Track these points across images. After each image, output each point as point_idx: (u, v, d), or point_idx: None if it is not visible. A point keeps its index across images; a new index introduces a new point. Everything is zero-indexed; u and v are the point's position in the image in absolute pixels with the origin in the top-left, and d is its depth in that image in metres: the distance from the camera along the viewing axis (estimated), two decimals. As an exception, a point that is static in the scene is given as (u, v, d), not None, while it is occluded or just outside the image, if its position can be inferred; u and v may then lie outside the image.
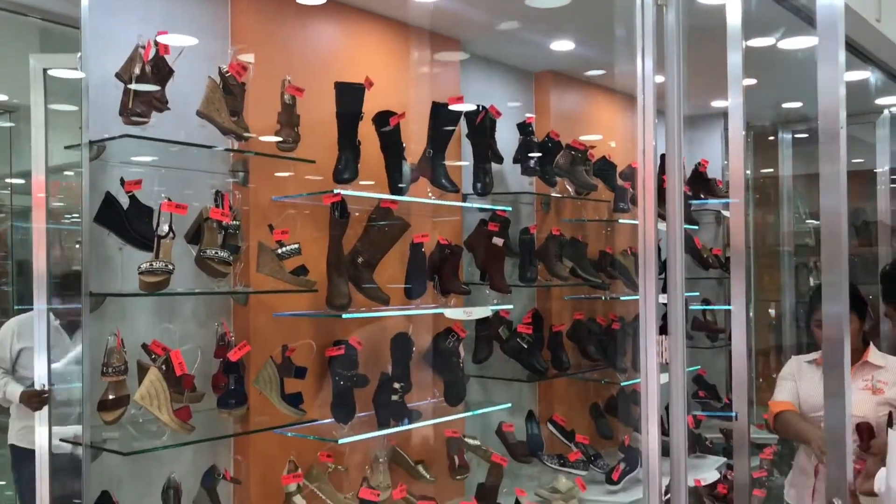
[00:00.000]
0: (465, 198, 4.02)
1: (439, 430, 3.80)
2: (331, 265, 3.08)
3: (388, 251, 3.30)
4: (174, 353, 2.57)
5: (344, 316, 3.02)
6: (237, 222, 2.90)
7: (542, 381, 4.28)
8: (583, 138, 4.66)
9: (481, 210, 4.06)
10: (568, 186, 4.52)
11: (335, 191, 3.04)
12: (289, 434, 3.11)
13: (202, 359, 2.91)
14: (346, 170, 3.14)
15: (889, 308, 2.80)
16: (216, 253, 2.69)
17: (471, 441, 3.90)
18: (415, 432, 3.62)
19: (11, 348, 2.91)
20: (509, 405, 3.99)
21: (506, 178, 4.40)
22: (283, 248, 2.89)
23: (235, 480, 2.94)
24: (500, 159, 4.09)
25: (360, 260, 3.24)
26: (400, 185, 3.32)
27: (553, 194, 4.41)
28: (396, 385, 3.26)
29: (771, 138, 6.56)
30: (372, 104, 3.29)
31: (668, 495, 3.41)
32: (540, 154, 4.21)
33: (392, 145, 3.31)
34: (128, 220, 2.62)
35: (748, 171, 6.47)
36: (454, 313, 3.48)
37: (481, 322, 4.11)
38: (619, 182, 4.90)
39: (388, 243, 3.29)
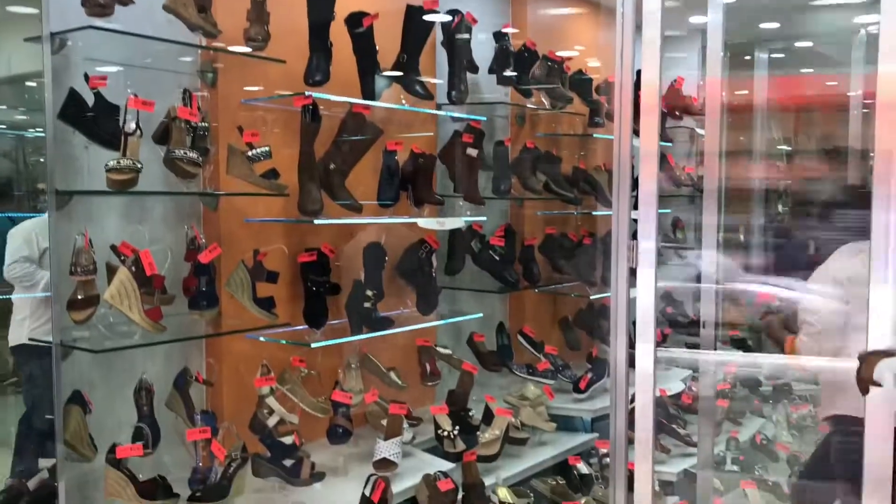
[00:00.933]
0: (439, 107, 3.96)
1: (411, 338, 3.83)
2: (302, 170, 3.04)
3: (360, 158, 3.27)
4: (144, 252, 2.54)
5: (316, 222, 2.99)
6: (206, 124, 2.84)
7: (514, 293, 4.31)
8: (561, 53, 4.60)
9: (455, 120, 4.02)
10: (543, 99, 4.47)
11: (306, 93, 2.98)
12: (261, 339, 3.12)
13: (172, 262, 2.89)
14: (318, 71, 3.07)
15: None
16: (185, 153, 2.63)
17: (442, 350, 3.95)
18: (387, 340, 3.65)
19: (38, 245, 2.95)
20: (480, 315, 4.03)
21: (481, 89, 4.34)
22: (254, 151, 2.84)
23: (207, 383, 2.96)
24: (475, 69, 4.02)
25: (331, 167, 3.20)
26: (373, 90, 3.26)
27: (529, 106, 4.36)
28: (369, 293, 3.27)
29: (747, 57, 6.53)
30: (344, 5, 3.20)
31: (633, 404, 3.49)
32: (515, 71, 4.14)
33: (365, 48, 3.23)
34: (93, 118, 2.55)
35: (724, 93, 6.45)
36: (427, 223, 3.47)
37: (454, 234, 4.11)
38: (595, 96, 4.86)
39: (360, 150, 3.25)
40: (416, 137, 3.92)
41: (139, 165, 2.50)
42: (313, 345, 3.03)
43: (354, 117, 3.22)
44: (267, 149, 2.87)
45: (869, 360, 1.94)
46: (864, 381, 1.96)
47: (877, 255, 2.10)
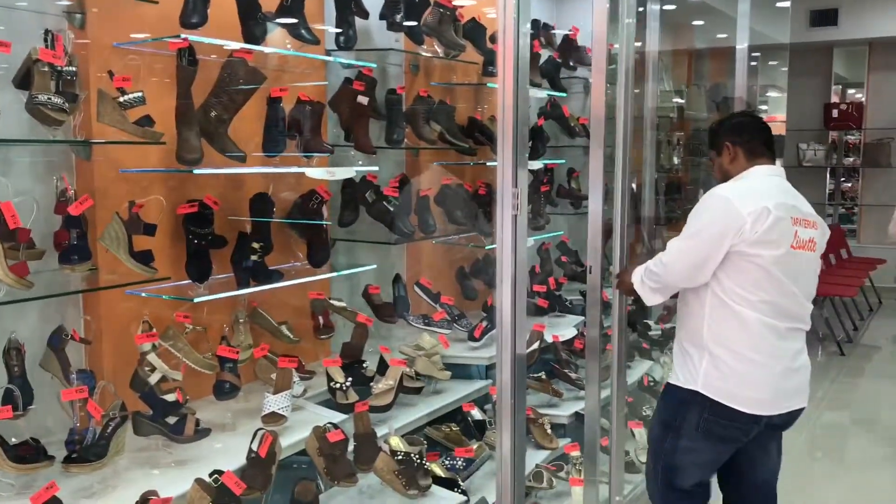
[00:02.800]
0: (328, 54, 3.86)
1: (303, 291, 3.77)
2: (180, 117, 2.91)
3: (242, 105, 3.14)
4: (5, 204, 2.39)
5: (195, 171, 2.88)
6: (73, 68, 2.67)
7: (410, 244, 4.28)
8: (456, 3, 4.54)
9: (346, 67, 3.92)
10: (437, 48, 4.41)
11: (182, 36, 2.83)
12: (143, 294, 3.00)
13: (41, 216, 2.73)
14: (195, 13, 2.93)
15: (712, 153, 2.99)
16: (49, 98, 2.47)
17: (336, 303, 3.91)
18: (279, 294, 3.58)
19: None
20: (374, 266, 3.99)
21: (372, 37, 4.24)
22: (126, 97, 2.69)
23: (85, 341, 2.83)
24: (364, 14, 3.92)
25: (212, 114, 3.07)
26: (254, 34, 3.13)
27: (422, 54, 4.30)
28: (255, 245, 3.18)
29: (640, 10, 6.60)
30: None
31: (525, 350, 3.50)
32: (407, 18, 4.06)
33: (246, -11, 3.10)
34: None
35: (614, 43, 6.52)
36: (316, 173, 3.39)
37: (347, 184, 4.05)
38: (490, 45, 4.83)
39: (242, 97, 3.13)
40: (306, 86, 3.81)
41: (-6, 111, 2.33)
42: (196, 300, 2.94)
43: (235, 62, 3.09)
44: (140, 94, 2.73)
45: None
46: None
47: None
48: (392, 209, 3.96)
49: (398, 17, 3.93)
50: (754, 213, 2.59)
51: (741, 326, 2.68)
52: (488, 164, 4.73)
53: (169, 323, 3.10)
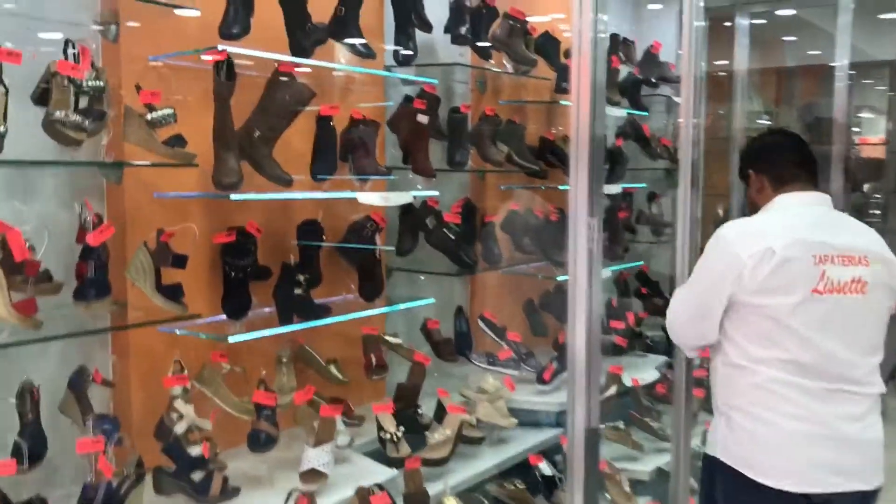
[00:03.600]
0: (388, 69, 3.56)
1: (355, 327, 3.45)
2: (217, 137, 2.63)
3: (289, 124, 2.85)
4: (13, 233, 2.13)
5: (232, 197, 2.59)
6: (101, 83, 2.42)
7: (471, 275, 3.92)
8: (533, 20, 4.23)
9: (406, 84, 3.61)
10: (506, 62, 4.08)
11: (220, 47, 2.56)
12: (177, 332, 2.72)
13: (66, 246, 2.48)
14: (236, 23, 2.66)
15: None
16: (66, 115, 2.21)
17: (391, 339, 3.57)
18: (329, 329, 3.27)
19: None
20: (431, 300, 3.64)
21: (436, 52, 3.93)
22: (154, 114, 2.42)
23: (108, 383, 2.56)
24: (427, 27, 3.61)
25: (256, 134, 2.79)
26: (303, 46, 2.84)
27: (489, 69, 3.96)
28: (300, 277, 2.87)
29: (727, 24, 6.16)
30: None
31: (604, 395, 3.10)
32: (472, 30, 3.73)
33: (292, -2, 2.82)
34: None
35: (703, 63, 6.08)
36: (369, 198, 3.07)
37: (406, 210, 3.73)
38: (564, 61, 4.47)
39: (288, 115, 2.84)
40: (363, 98, 3.52)
41: (2, 129, 2.08)
42: (231, 339, 2.64)
43: (280, 77, 2.81)
44: (170, 111, 2.46)
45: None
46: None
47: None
48: (453, 237, 3.61)
49: (463, 30, 3.60)
50: (756, 256, 2.14)
51: (756, 385, 2.22)
52: (560, 187, 4.35)
53: (204, 363, 2.81)
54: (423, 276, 3.79)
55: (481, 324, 4.12)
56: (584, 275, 2.20)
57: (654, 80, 5.25)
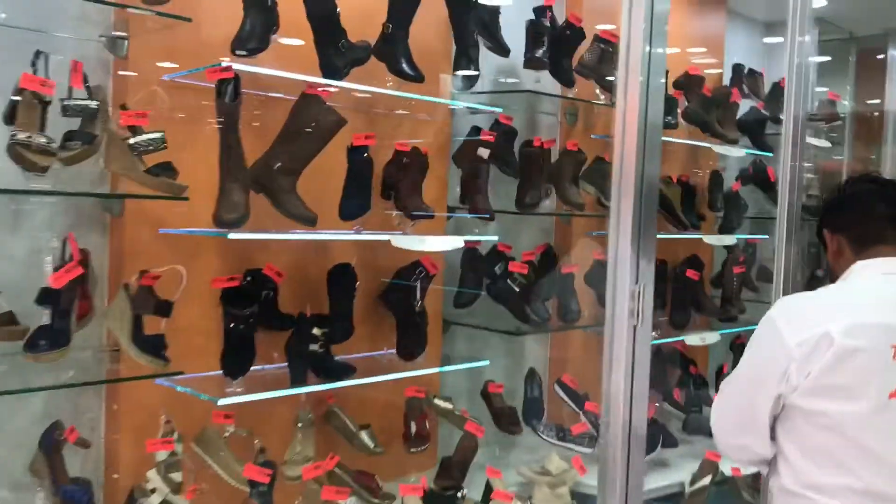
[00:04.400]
0: (454, 97, 3.14)
1: (403, 388, 3.02)
2: (222, 166, 2.29)
3: (314, 155, 2.48)
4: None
5: (230, 236, 2.23)
6: (92, 103, 2.14)
7: (547, 332, 3.40)
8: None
9: (473, 112, 3.19)
10: (599, 92, 3.58)
11: (223, 62, 2.22)
12: (177, 388, 2.38)
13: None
14: (252, 37, 2.32)
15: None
16: (29, 137, 1.93)
17: (441, 403, 3.11)
18: (367, 390, 2.86)
19: None
20: (485, 363, 3.16)
21: (520, 77, 3.48)
22: (138, 138, 2.10)
23: (83, 443, 2.24)
24: (503, 51, 3.19)
25: (276, 165, 2.44)
26: (335, 65, 2.48)
27: (570, 98, 3.46)
28: (317, 331, 2.48)
29: (880, 56, 5.40)
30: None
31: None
32: (551, 53, 3.26)
33: (323, 10, 2.45)
34: None
35: (846, 100, 5.33)
36: (405, 241, 2.65)
37: (470, 256, 3.29)
38: (671, 92, 3.92)
39: (315, 144, 2.47)
40: (423, 129, 3.13)
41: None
42: (220, 402, 2.26)
43: (308, 101, 2.45)
44: (158, 135, 2.13)
45: None
46: None
47: None
48: (517, 289, 3.12)
49: (539, 53, 3.13)
50: (807, 344, 1.55)
51: None
52: (659, 235, 3.76)
53: (207, 423, 2.46)
54: (487, 331, 3.31)
55: (558, 389, 3.59)
56: (624, 358, 1.69)
57: (782, 117, 4.57)
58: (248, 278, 2.53)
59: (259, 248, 2.64)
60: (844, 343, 1.52)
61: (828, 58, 5.15)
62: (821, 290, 1.69)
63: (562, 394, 3.59)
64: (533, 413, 3.44)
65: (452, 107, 3.16)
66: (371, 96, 2.76)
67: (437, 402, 3.12)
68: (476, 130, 3.15)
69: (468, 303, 3.24)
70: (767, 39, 5.24)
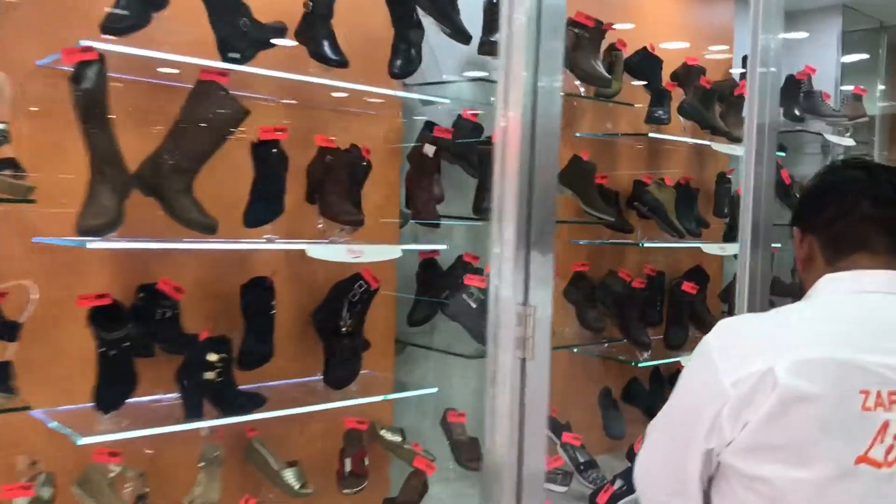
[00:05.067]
0: (406, 87, 2.78)
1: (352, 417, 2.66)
2: (90, 164, 1.96)
3: (213, 151, 2.14)
4: None
5: (89, 245, 1.89)
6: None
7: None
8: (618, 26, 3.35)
9: (425, 105, 2.83)
10: (578, 85, 3.19)
11: (81, 43, 1.89)
12: (50, 424, 2.05)
13: None
14: (125, 16, 1.99)
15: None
16: None
17: (388, 436, 2.74)
18: (304, 420, 2.52)
19: None
20: (433, 389, 2.77)
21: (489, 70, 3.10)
22: (-32, 129, 1.79)
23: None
24: (464, 37, 2.81)
25: (169, 163, 2.10)
26: (235, 47, 2.14)
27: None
28: (212, 356, 2.13)
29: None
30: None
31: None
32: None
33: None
34: None
35: (876, 96, 4.84)
36: (322, 252, 2.29)
37: (425, 268, 2.92)
38: (666, 84, 3.52)
39: (212, 138, 2.13)
40: (369, 124, 2.78)
41: None
42: (80, 441, 1.91)
43: (203, 88, 2.11)
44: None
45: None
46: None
47: None
48: (474, 306, 2.74)
49: (496, 37, 2.74)
50: (746, 384, 1.14)
51: None
52: (646, 244, 3.35)
53: (90, 463, 2.12)
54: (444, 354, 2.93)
55: (535, 417, 3.19)
56: (509, 395, 1.30)
57: (797, 114, 4.13)
58: (141, 294, 2.19)
59: (162, 261, 2.30)
60: (792, 385, 1.11)
61: (862, 55, 4.68)
62: (775, 312, 1.28)
63: (539, 423, 3.19)
64: (502, 445, 3.03)
65: (403, 100, 2.81)
66: (314, 87, 2.40)
67: (384, 434, 2.75)
68: (429, 126, 2.79)
69: (423, 320, 2.87)
70: (788, 35, 4.77)
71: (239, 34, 2.14)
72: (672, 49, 3.73)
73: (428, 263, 2.91)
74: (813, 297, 1.29)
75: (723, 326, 1.26)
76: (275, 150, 2.22)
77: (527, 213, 1.31)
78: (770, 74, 1.89)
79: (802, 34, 4.62)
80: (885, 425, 1.09)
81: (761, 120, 1.88)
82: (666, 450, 1.26)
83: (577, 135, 3.43)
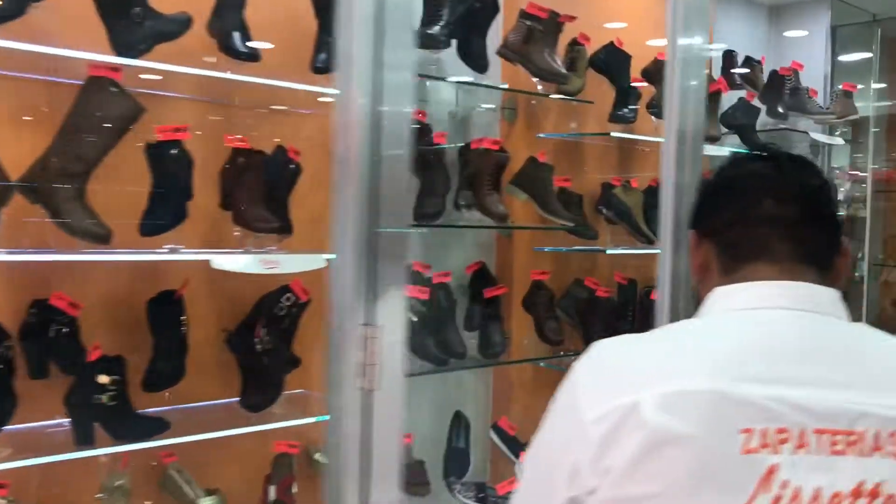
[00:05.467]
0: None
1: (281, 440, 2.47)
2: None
3: (105, 153, 1.97)
4: None
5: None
6: None
7: (432, 373, 2.78)
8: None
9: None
10: (536, 82, 3.00)
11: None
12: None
13: None
14: (5, 5, 1.82)
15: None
16: None
17: (324, 460, 2.54)
18: (227, 445, 2.32)
19: None
20: (324, 417, 2.55)
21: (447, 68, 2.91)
22: None
23: None
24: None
25: (56, 166, 1.92)
26: (127, 41, 1.96)
27: (489, 85, 2.88)
28: (104, 378, 1.94)
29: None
30: None
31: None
32: (463, 30, 2.68)
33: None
34: None
35: (870, 94, 4.60)
36: (233, 263, 2.10)
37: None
38: (637, 84, 3.33)
39: (104, 140, 1.95)
40: (307, 132, 2.60)
41: None
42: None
43: (93, 85, 1.93)
44: None
45: None
46: None
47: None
48: (415, 318, 2.54)
49: (436, 29, 2.55)
50: (609, 420, 0.93)
51: None
52: (610, 251, 3.14)
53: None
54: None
55: (493, 436, 3.00)
56: (352, 431, 1.10)
57: (781, 111, 3.91)
58: (33, 311, 2.01)
59: (62, 274, 2.12)
60: (659, 423, 0.90)
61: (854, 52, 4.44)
62: (661, 331, 1.07)
63: (498, 441, 3.00)
64: (455, 467, 2.84)
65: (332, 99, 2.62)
66: (245, 85, 2.23)
67: (319, 458, 2.55)
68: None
69: (362, 335, 2.67)
70: (789, 33, 4.54)
71: (132, 25, 1.95)
72: (654, 46, 3.54)
73: (370, 273, 2.71)
74: (703, 314, 1.08)
75: (594, 349, 1.05)
76: (174, 152, 2.03)
77: (371, 212, 1.11)
78: (701, 77, 1.69)
79: (801, 32, 4.41)
80: (771, 471, 0.88)
81: (683, 126, 1.67)
82: (532, 494, 1.06)
83: (540, 135, 3.23)
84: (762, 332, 0.99)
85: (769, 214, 1.05)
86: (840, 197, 4.46)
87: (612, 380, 0.98)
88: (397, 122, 1.16)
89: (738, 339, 0.99)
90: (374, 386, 1.06)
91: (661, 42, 2.04)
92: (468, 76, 2.81)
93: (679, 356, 0.97)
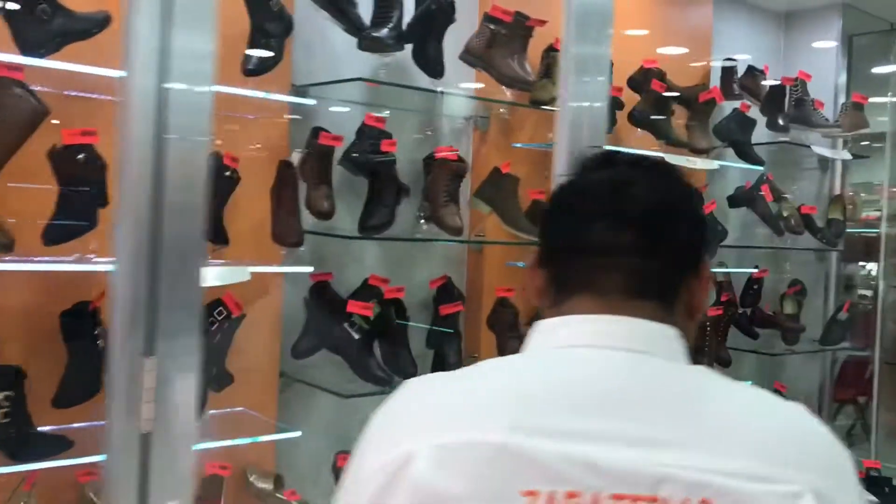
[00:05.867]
0: (296, 89, 2.50)
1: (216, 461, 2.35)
2: None
3: (8, 157, 1.87)
4: None
5: None
6: None
7: (374, 395, 2.63)
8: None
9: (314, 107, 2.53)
10: (506, 89, 2.85)
11: None
12: None
13: None
14: None
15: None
16: None
17: (259, 483, 2.42)
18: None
19: None
20: (297, 433, 2.43)
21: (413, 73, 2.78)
22: None
23: None
24: (359, 31, 2.50)
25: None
26: (31, 39, 1.87)
27: (432, 90, 2.72)
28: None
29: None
30: None
31: None
32: (419, 32, 2.54)
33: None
34: None
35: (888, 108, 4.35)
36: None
37: (317, 293, 2.60)
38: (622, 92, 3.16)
39: (7, 142, 1.86)
40: (260, 138, 2.50)
41: None
42: None
43: (-4, 86, 1.85)
44: None
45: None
46: None
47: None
48: (357, 336, 2.40)
49: (384, 32, 2.42)
50: (385, 473, 0.78)
51: None
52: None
53: None
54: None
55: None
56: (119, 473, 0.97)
57: (781, 123, 3.70)
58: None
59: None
60: (427, 480, 0.75)
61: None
62: (473, 369, 0.92)
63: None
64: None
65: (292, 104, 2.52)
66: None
67: (254, 480, 2.42)
68: (315, 133, 2.48)
69: (306, 352, 2.54)
70: (806, 43, 4.32)
71: (36, 23, 1.86)
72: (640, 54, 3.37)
73: (318, 287, 2.58)
74: (522, 350, 0.92)
75: (401, 387, 0.91)
76: (81, 157, 1.92)
77: (151, 223, 0.98)
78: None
79: (818, 42, 4.18)
80: None
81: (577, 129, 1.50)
82: None
83: (516, 145, 3.08)
84: (572, 376, 0.83)
85: (599, 242, 0.89)
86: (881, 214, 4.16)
87: (396, 424, 0.84)
88: (187, 125, 1.02)
89: (542, 382, 0.83)
90: (153, 428, 0.92)
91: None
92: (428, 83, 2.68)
93: (471, 400, 0.83)
